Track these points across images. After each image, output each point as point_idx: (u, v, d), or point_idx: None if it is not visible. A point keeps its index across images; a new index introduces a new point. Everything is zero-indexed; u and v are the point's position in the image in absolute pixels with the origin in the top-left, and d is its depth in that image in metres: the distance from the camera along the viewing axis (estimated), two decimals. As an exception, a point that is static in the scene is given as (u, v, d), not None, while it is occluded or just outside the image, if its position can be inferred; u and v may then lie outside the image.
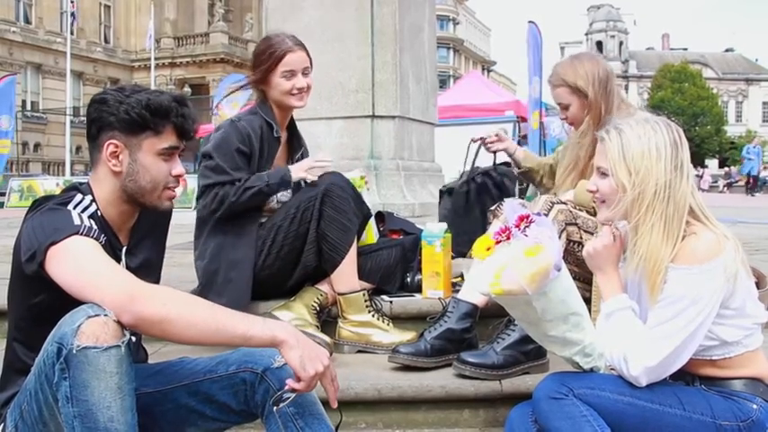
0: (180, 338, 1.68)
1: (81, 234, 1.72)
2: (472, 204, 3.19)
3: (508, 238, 1.80)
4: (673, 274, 1.84)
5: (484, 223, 3.19)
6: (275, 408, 1.79)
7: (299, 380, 1.68)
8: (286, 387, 1.73)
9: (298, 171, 2.82)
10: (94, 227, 1.77)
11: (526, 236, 1.77)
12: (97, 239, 1.75)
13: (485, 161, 3.49)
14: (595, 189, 1.98)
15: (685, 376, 1.94)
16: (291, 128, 3.12)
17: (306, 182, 2.82)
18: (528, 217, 1.79)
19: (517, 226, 1.79)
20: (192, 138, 1.95)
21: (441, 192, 3.63)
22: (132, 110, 1.83)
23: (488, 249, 1.82)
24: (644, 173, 1.87)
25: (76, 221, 1.74)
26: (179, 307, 1.64)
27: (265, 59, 2.91)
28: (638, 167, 1.87)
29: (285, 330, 1.70)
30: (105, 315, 1.59)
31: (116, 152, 1.86)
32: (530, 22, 16.71)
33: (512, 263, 1.74)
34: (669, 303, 1.83)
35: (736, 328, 1.88)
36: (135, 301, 1.61)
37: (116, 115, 1.84)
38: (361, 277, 2.87)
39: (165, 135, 1.87)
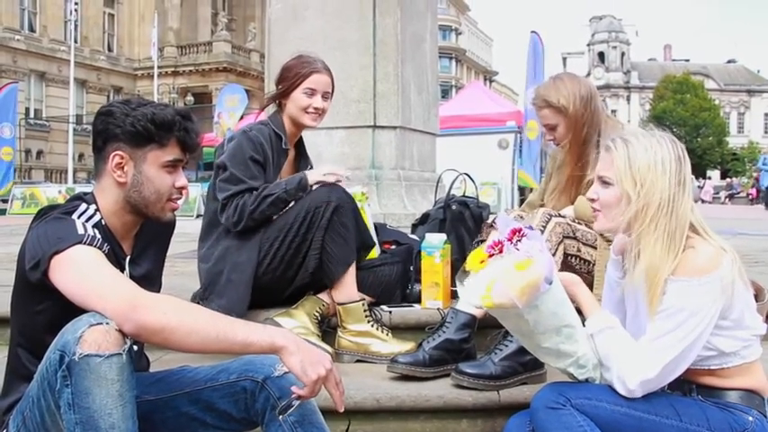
0: (181, 347, 1.70)
1: (84, 243, 1.74)
2: (448, 232, 3.20)
3: (500, 252, 1.82)
4: (672, 286, 1.85)
5: (461, 251, 3.20)
6: (280, 417, 1.80)
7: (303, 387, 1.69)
8: (292, 396, 1.74)
9: (314, 175, 2.85)
10: (98, 236, 1.79)
11: (518, 249, 1.79)
12: (100, 248, 1.77)
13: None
14: (596, 197, 1.99)
15: (683, 385, 1.95)
16: (299, 147, 3.17)
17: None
18: (520, 231, 1.81)
19: (509, 239, 1.81)
20: (195, 151, 1.98)
21: (413, 225, 3.64)
22: (138, 122, 1.86)
23: (482, 262, 1.84)
24: (649, 185, 1.88)
25: (80, 231, 1.77)
26: (180, 315, 1.65)
27: (293, 74, 2.99)
28: (644, 179, 1.89)
29: (285, 337, 1.71)
30: (107, 323, 1.61)
31: (121, 163, 1.89)
32: (532, 32, 16.75)
33: (502, 276, 1.75)
34: (668, 315, 1.84)
35: (734, 340, 1.89)
36: (137, 310, 1.62)
37: (122, 127, 1.87)
38: (361, 290, 2.88)
39: (169, 148, 1.90)
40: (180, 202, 1.99)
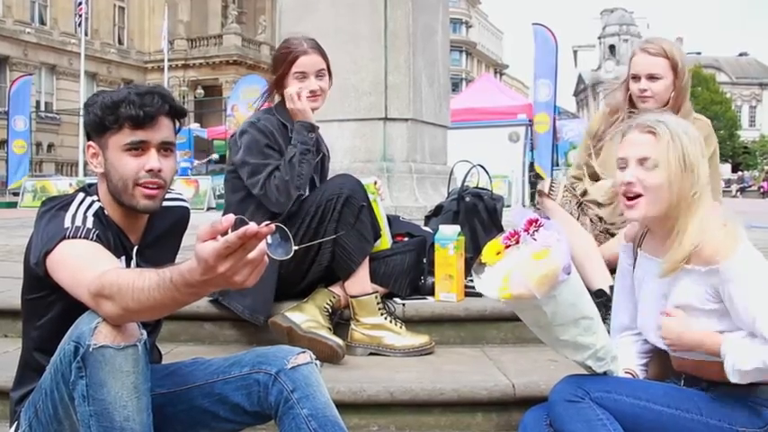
0: (148, 319, 1.71)
1: (68, 237, 1.73)
2: (461, 224, 3.17)
3: (517, 243, 1.79)
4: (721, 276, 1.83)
5: (475, 243, 3.17)
6: None
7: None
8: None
9: (300, 112, 2.85)
10: (87, 225, 1.78)
11: (535, 240, 1.76)
12: (87, 237, 1.75)
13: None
14: (635, 180, 1.93)
15: (701, 381, 1.92)
16: None
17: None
18: (537, 221, 1.78)
19: (526, 230, 1.79)
20: (148, 125, 1.83)
21: (427, 217, 3.61)
22: (93, 111, 1.85)
23: (498, 254, 1.81)
24: (696, 166, 1.92)
25: (66, 224, 1.76)
26: (135, 297, 1.53)
27: (280, 63, 2.94)
28: (693, 161, 1.91)
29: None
30: None
31: (95, 154, 1.89)
32: (534, 24, 16.68)
33: (520, 267, 1.73)
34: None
35: None
36: (99, 304, 1.59)
37: (85, 119, 1.90)
38: (374, 281, 2.86)
39: (124, 130, 1.84)
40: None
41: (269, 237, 1.39)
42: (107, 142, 1.86)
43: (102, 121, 1.84)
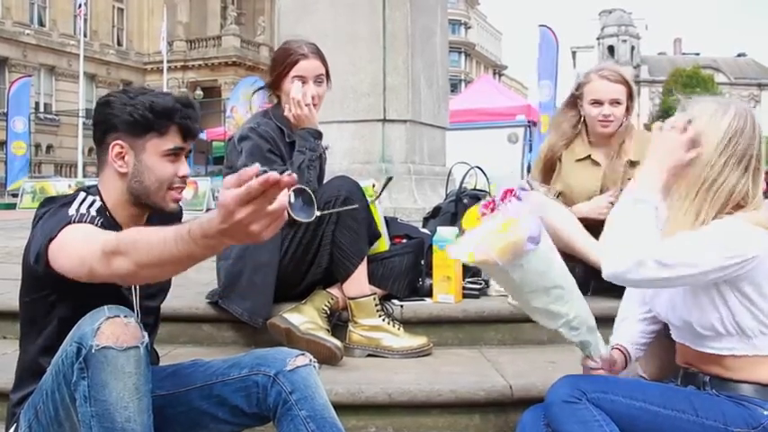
0: (159, 278, 1.69)
1: (73, 222, 1.74)
2: (459, 226, 3.18)
3: (492, 211, 1.86)
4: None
5: None
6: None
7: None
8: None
9: (306, 118, 2.86)
10: (92, 213, 1.79)
11: (508, 209, 1.82)
12: (91, 223, 1.76)
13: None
14: None
15: (696, 378, 1.93)
16: None
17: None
18: (512, 191, 1.85)
19: (502, 200, 1.85)
20: (195, 137, 1.95)
21: (425, 218, 3.62)
22: (136, 111, 1.85)
23: (478, 220, 1.89)
24: None
25: (71, 213, 1.77)
26: (150, 252, 1.51)
27: (279, 64, 2.93)
28: None
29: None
30: (125, 316, 1.61)
31: (122, 153, 1.89)
32: (541, 25, 16.73)
33: (486, 235, 1.80)
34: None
35: (757, 318, 1.85)
36: (110, 262, 1.56)
37: (120, 117, 1.87)
38: (372, 283, 2.87)
39: (169, 136, 1.88)
40: (188, 193, 1.98)
41: (292, 197, 1.39)
42: (145, 145, 1.87)
43: (149, 124, 1.85)
